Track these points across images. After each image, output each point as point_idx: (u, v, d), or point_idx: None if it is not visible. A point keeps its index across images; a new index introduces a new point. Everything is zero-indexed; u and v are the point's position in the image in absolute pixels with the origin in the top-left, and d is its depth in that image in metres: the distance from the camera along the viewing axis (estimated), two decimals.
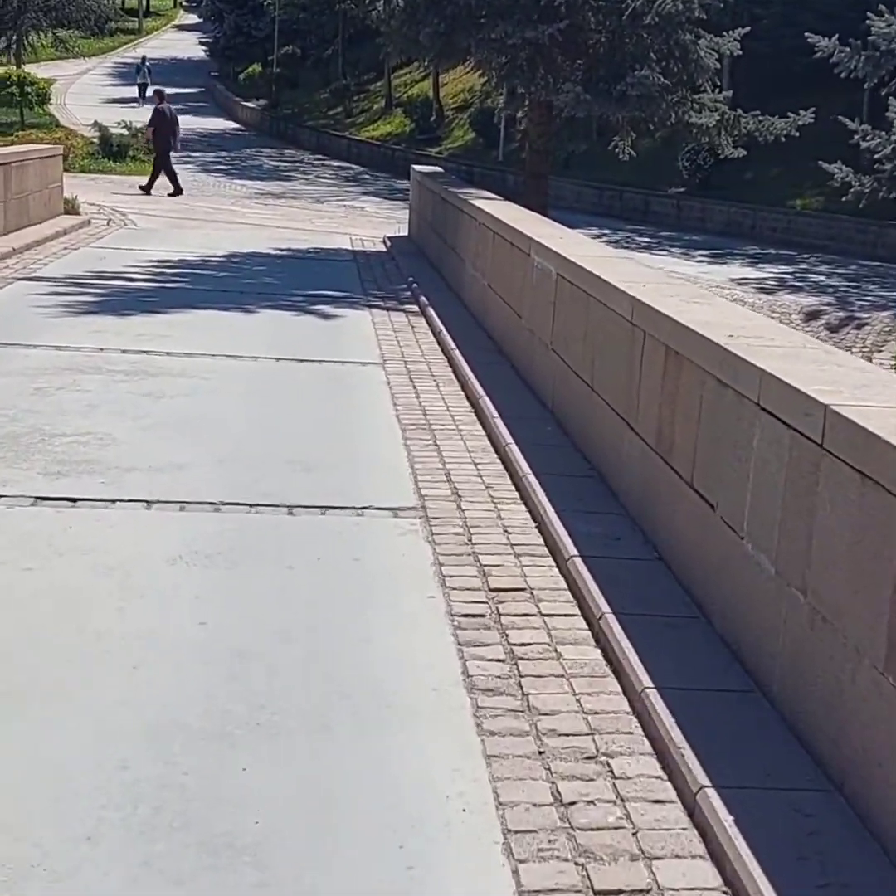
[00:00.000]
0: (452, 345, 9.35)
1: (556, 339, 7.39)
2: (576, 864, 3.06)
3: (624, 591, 4.68)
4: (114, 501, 5.51)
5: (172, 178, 23.19)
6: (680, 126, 16.60)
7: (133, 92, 46.25)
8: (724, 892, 3.00)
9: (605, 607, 4.50)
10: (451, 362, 9.02)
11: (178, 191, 23.10)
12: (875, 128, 19.21)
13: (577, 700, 3.95)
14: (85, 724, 3.58)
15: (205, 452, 6.39)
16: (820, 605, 3.52)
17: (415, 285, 12.75)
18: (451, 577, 4.91)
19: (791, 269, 22.37)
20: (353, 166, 37.12)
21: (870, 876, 3.00)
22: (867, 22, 18.58)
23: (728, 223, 26.58)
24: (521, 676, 4.08)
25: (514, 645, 4.31)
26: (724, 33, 16.94)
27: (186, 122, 42.91)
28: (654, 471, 5.24)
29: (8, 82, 32.09)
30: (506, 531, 5.50)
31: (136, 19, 72.11)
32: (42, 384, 7.56)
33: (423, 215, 16.52)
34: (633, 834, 3.20)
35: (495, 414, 7.22)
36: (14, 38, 37.51)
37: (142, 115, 34.43)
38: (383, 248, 17.15)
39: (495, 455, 6.71)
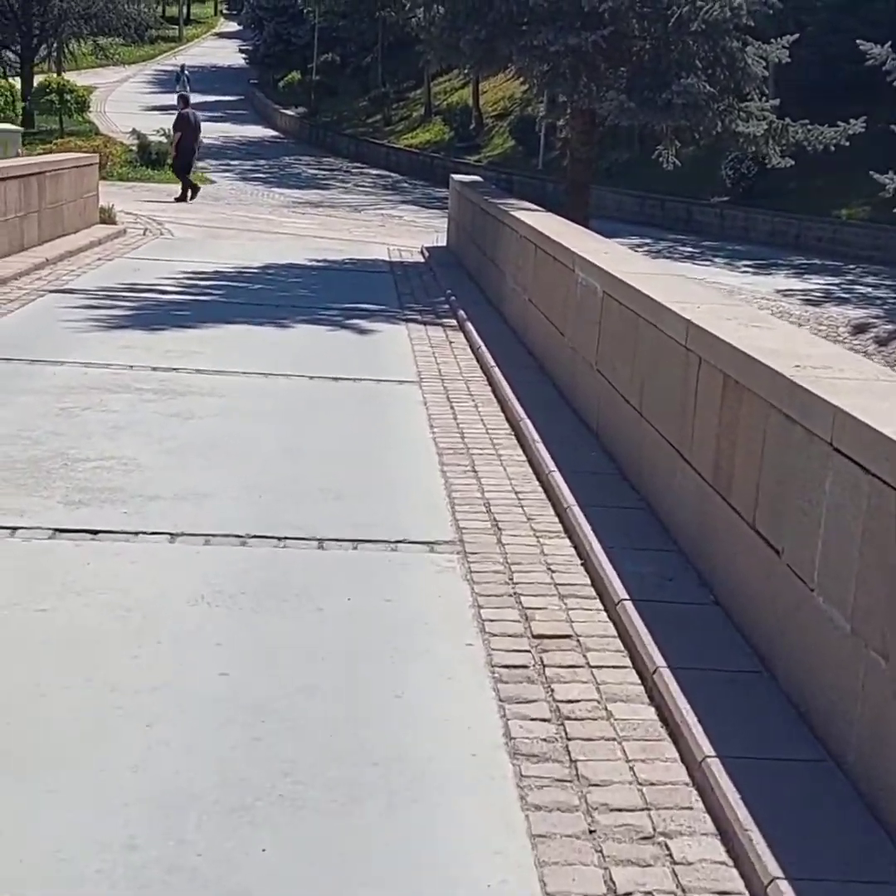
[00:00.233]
0: (492, 362, 9.01)
1: (601, 359, 7.04)
2: None
3: (679, 641, 4.32)
4: (136, 534, 5.21)
5: (184, 183, 22.96)
6: (726, 135, 16.18)
7: (173, 100, 46.21)
8: None
9: (660, 660, 4.15)
10: (490, 381, 8.69)
11: (184, 198, 22.82)
12: None
13: (631, 768, 3.60)
14: (90, 794, 3.27)
15: (232, 478, 6.09)
16: None
17: (453, 298, 12.43)
18: (491, 621, 4.57)
19: (837, 281, 21.90)
20: (392, 174, 36.91)
21: None
22: None
23: (772, 233, 26.12)
24: (569, 739, 3.74)
25: (561, 702, 3.97)
26: (772, 40, 16.54)
27: (225, 130, 43.17)
28: (710, 507, 4.88)
29: (47, 90, 32.11)
30: (549, 569, 5.15)
31: (176, 27, 72.38)
32: (68, 404, 7.29)
33: (462, 226, 16.21)
34: None
35: (537, 438, 6.88)
36: (55, 45, 37.58)
37: None
38: (421, 259, 16.85)
39: (537, 483, 6.37)
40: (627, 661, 4.31)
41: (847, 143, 16.79)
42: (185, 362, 8.66)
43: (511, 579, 5.00)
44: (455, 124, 37.96)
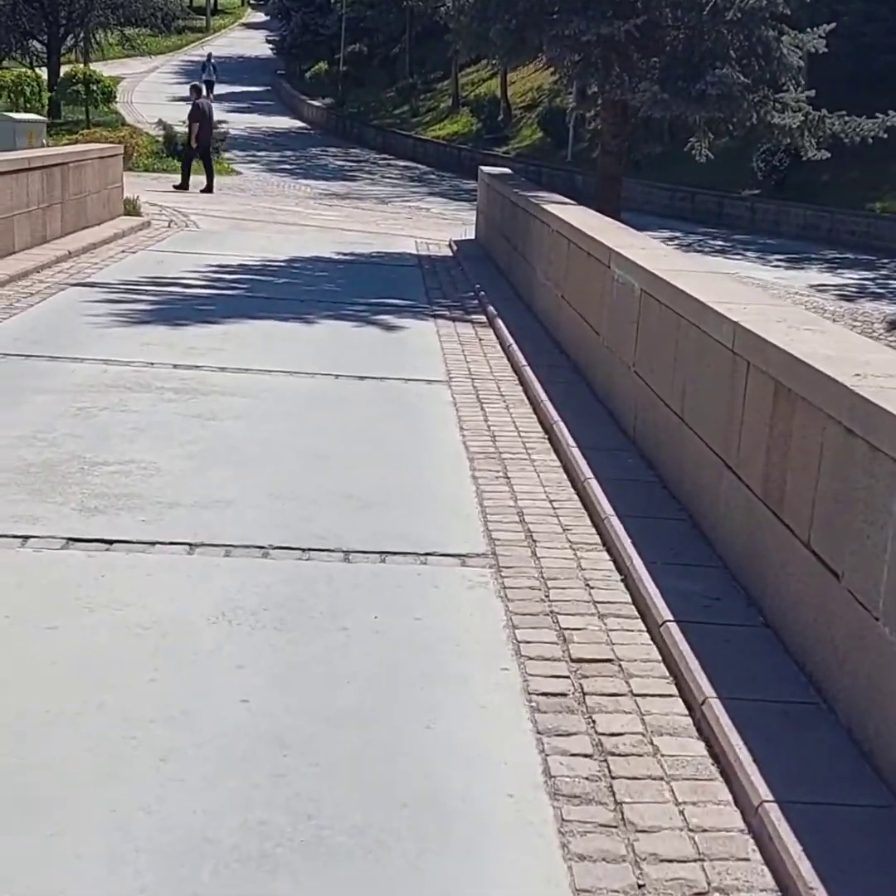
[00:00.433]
0: (523, 361, 8.73)
1: (639, 360, 6.76)
2: None
3: (728, 668, 4.05)
4: (153, 544, 4.96)
5: (186, 174, 22.72)
6: (761, 127, 15.82)
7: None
8: None
9: (708, 690, 3.88)
10: (522, 380, 8.41)
11: (184, 187, 22.55)
12: None
13: (681, 812, 3.33)
14: (100, 839, 3.02)
15: (255, 484, 5.84)
16: None
17: (482, 293, 12.15)
18: (527, 643, 4.31)
19: (872, 275, 21.48)
20: (419, 166, 36.61)
21: None
22: None
23: (804, 226, 25.68)
24: (613, 778, 3.47)
25: (603, 735, 3.70)
26: (808, 30, 16.16)
27: (252, 121, 43.01)
28: (759, 522, 4.60)
29: (74, 80, 31.93)
30: (587, 585, 4.88)
31: (203, 17, 72.15)
32: (86, 403, 7.06)
33: (490, 218, 15.92)
34: None
35: (572, 443, 6.61)
36: (81, 35, 37.43)
37: None
38: (449, 253, 16.56)
39: (572, 490, 6.10)
40: (673, 689, 4.04)
41: (885, 135, 16.40)
42: (207, 360, 8.42)
43: (547, 596, 4.74)
44: (483, 115, 37.59)
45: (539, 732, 3.69)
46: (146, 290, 11.26)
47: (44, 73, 36.80)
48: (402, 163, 37.26)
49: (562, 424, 6.97)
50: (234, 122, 37.00)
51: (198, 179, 22.79)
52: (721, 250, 23.10)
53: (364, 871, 3.00)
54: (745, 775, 3.41)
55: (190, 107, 22.77)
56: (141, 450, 6.24)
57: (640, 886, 2.99)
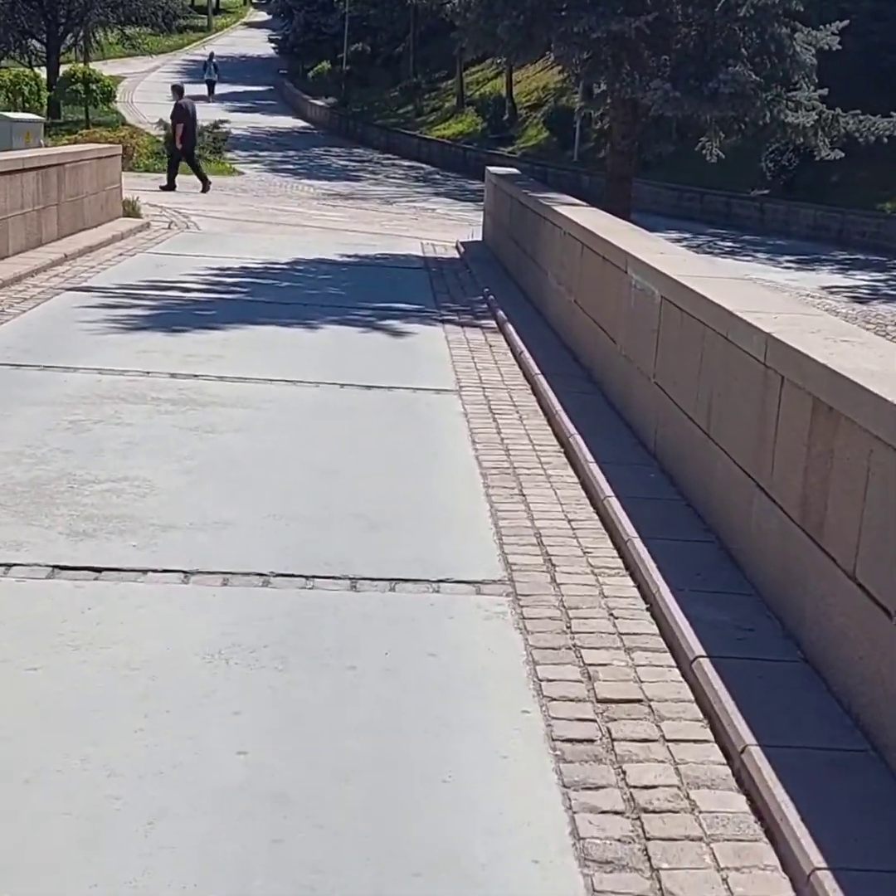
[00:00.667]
0: (536, 369, 8.40)
1: (660, 371, 6.43)
2: None
3: (768, 710, 3.73)
4: (145, 572, 4.64)
5: (172, 174, 22.31)
6: (774, 126, 15.48)
7: (202, 89, 45.84)
8: None
9: (748, 736, 3.55)
10: (535, 390, 8.08)
11: (171, 187, 22.16)
12: None
13: (724, 880, 3.01)
14: None
15: (255, 504, 5.52)
16: None
17: (491, 298, 11.82)
18: (549, 681, 3.98)
19: (883, 277, 21.15)
20: (424, 166, 36.31)
21: None
22: None
23: (814, 227, 25.34)
24: (647, 839, 3.15)
25: (635, 787, 3.38)
26: (821, 27, 15.82)
27: (254, 121, 42.76)
28: (796, 548, 4.27)
29: (73, 79, 31.62)
30: (611, 615, 4.56)
31: (205, 16, 71.87)
32: (78, 416, 6.74)
33: (498, 220, 15.59)
34: None
35: (589, 457, 6.28)
36: (81, 34, 37.12)
37: (210, 113, 33.96)
38: (456, 255, 16.24)
39: (592, 508, 5.77)
40: (708, 734, 3.72)
41: None
42: (206, 368, 8.10)
43: (568, 627, 4.41)
44: (488, 115, 37.27)
45: (565, 786, 3.37)
46: (143, 295, 10.94)
47: (43, 72, 36.49)
48: (406, 163, 36.96)
49: (578, 438, 6.65)
50: (236, 121, 36.69)
51: (189, 179, 22.39)
52: (730, 251, 22.79)
53: None
54: (793, 837, 3.08)
55: (172, 107, 22.38)
56: (135, 466, 5.92)
57: None
